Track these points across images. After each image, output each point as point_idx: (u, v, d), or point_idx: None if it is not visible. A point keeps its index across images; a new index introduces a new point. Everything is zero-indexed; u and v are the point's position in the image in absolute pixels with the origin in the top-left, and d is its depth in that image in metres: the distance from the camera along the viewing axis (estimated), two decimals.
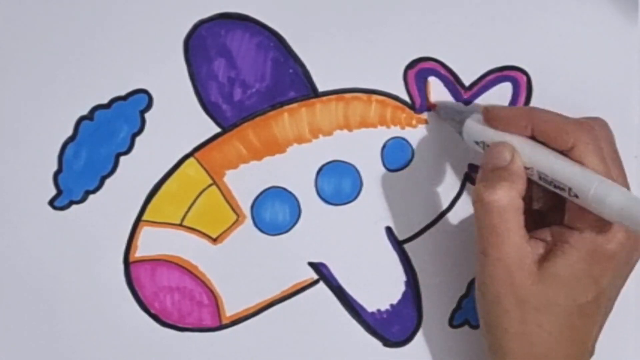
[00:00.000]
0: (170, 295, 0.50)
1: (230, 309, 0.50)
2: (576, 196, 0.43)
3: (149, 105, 0.48)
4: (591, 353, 0.47)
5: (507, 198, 0.44)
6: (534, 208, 0.48)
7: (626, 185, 0.46)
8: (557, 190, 0.44)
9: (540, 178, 0.45)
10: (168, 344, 0.50)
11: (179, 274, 0.50)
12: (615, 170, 0.45)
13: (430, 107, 0.50)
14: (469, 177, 0.51)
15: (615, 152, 0.46)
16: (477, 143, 0.47)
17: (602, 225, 0.44)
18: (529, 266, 0.44)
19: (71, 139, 0.48)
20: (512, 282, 0.44)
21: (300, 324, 0.50)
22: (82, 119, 0.48)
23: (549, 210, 0.48)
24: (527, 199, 0.46)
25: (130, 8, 0.48)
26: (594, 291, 0.45)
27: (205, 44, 0.48)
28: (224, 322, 0.50)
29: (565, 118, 0.45)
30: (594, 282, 0.44)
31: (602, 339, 0.46)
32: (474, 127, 0.47)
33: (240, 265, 0.50)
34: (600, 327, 0.47)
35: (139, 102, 0.48)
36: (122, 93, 0.48)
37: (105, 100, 0.48)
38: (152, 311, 0.50)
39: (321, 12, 0.49)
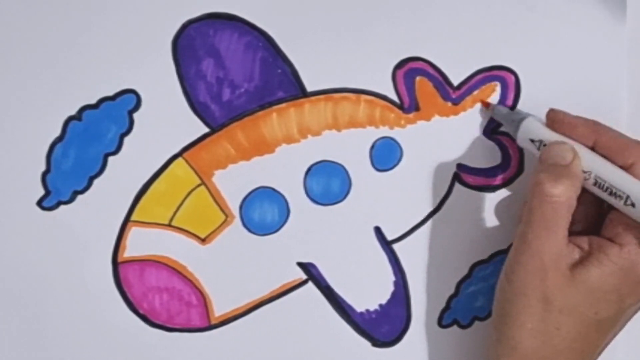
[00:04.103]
0: (159, 296, 0.49)
1: (219, 309, 0.50)
2: (632, 205, 0.44)
3: (137, 106, 0.48)
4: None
5: (567, 195, 0.44)
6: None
7: None
8: (612, 198, 0.45)
9: (595, 184, 0.45)
10: (157, 345, 0.50)
11: (167, 274, 0.49)
12: None
13: (484, 104, 0.50)
14: (458, 177, 0.51)
15: None
16: (532, 141, 0.47)
17: None
18: (564, 268, 0.45)
19: (59, 139, 0.48)
20: (544, 279, 0.44)
21: (289, 324, 0.50)
22: (70, 119, 0.48)
23: (585, 220, 0.48)
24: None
25: (119, 8, 0.48)
26: (616, 308, 0.45)
27: (193, 44, 0.48)
28: (213, 322, 0.50)
29: (627, 137, 0.46)
30: (620, 299, 0.45)
31: None
32: (535, 126, 0.47)
33: (229, 266, 0.50)
34: (608, 344, 0.47)
35: (127, 102, 0.48)
36: (111, 93, 0.48)
37: (93, 101, 0.48)
38: (141, 311, 0.50)
39: (310, 12, 0.49)
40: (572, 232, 0.46)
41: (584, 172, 0.46)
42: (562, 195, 0.44)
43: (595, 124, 0.47)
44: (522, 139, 0.48)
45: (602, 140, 0.46)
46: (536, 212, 0.45)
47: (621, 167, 0.45)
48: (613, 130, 0.47)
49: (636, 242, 0.45)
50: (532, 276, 0.44)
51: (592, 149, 0.46)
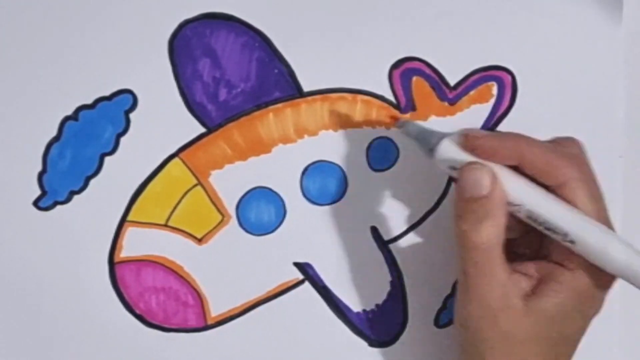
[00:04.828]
0: (156, 296, 0.49)
1: (215, 310, 0.50)
2: (572, 242, 0.42)
3: (133, 106, 0.48)
4: None
5: (493, 237, 0.42)
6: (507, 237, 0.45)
7: (609, 222, 0.44)
8: (548, 232, 0.42)
9: (529, 217, 0.43)
10: (153, 345, 0.50)
11: (164, 274, 0.49)
12: (603, 208, 0.43)
13: (392, 119, 0.49)
14: (454, 178, 0.51)
15: (598, 185, 0.44)
16: (453, 169, 0.44)
17: (595, 267, 0.43)
18: (515, 302, 0.43)
19: (56, 139, 0.48)
20: (497, 321, 0.43)
21: (285, 324, 0.50)
22: (66, 119, 0.48)
23: (522, 240, 0.46)
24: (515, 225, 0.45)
25: (115, 8, 0.48)
26: (581, 324, 0.44)
27: (190, 44, 0.48)
28: (210, 322, 0.50)
29: (555, 150, 0.43)
30: (582, 316, 0.44)
31: (587, 342, 0.46)
32: (451, 150, 0.43)
33: (226, 266, 0.50)
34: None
35: (123, 102, 0.48)
36: (107, 93, 0.48)
37: (89, 101, 0.48)
38: (137, 312, 0.49)
39: (306, 12, 0.49)
40: (515, 252, 0.45)
41: (514, 205, 0.42)
42: (488, 240, 0.42)
43: (518, 140, 0.42)
44: (440, 166, 0.44)
45: (528, 159, 0.42)
46: (468, 263, 0.42)
47: (551, 187, 0.42)
48: (539, 144, 0.43)
49: (586, 263, 0.43)
50: (484, 322, 0.43)
51: (517, 168, 0.43)
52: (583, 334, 0.45)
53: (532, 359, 0.43)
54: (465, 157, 0.43)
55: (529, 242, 0.46)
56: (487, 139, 0.43)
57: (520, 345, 0.43)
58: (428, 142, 0.44)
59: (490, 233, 0.42)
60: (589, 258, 0.42)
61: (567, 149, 0.44)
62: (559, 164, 0.42)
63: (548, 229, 0.42)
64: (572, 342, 0.45)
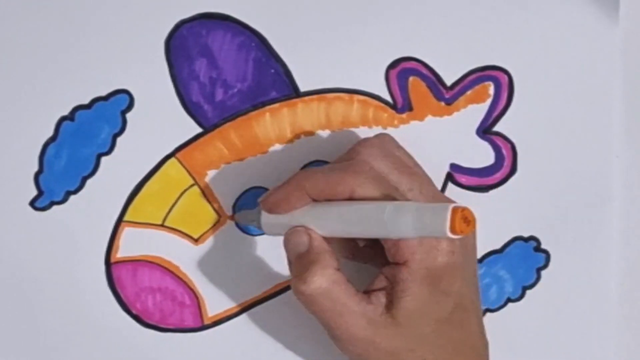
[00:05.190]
0: (152, 296, 0.49)
1: (212, 310, 0.50)
2: (378, 239, 0.43)
3: (130, 106, 0.48)
4: (486, 343, 0.46)
5: (325, 280, 0.43)
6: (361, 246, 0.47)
7: (426, 180, 0.46)
8: (366, 241, 0.45)
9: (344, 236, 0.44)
10: (150, 345, 0.50)
11: (160, 274, 0.49)
12: (405, 179, 0.44)
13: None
14: (451, 177, 0.51)
15: (398, 159, 0.45)
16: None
17: (424, 247, 0.43)
18: (381, 322, 0.43)
19: (52, 139, 0.48)
20: (378, 347, 0.43)
21: (282, 325, 0.50)
22: (62, 119, 0.48)
23: (367, 253, 0.47)
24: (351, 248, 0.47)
25: (112, 8, 0.47)
26: (450, 301, 0.44)
27: (186, 44, 0.48)
28: (206, 322, 0.50)
29: (332, 169, 0.44)
30: (446, 294, 0.44)
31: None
32: (268, 221, 0.46)
33: (222, 266, 0.50)
34: (479, 315, 0.46)
35: (120, 102, 0.48)
36: (103, 93, 0.48)
37: (86, 101, 0.48)
38: (134, 312, 0.49)
39: (303, 13, 0.49)
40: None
41: (325, 238, 0.44)
42: (321, 285, 0.43)
43: (299, 181, 0.44)
44: (273, 235, 0.47)
45: (313, 193, 0.44)
46: (318, 314, 0.43)
47: (348, 199, 0.43)
48: (317, 172, 0.44)
49: (416, 255, 0.43)
50: (364, 349, 0.43)
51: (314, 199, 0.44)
52: (468, 307, 0.45)
53: (431, 356, 0.44)
54: (278, 219, 0.45)
55: (373, 254, 0.46)
56: (275, 193, 0.45)
57: (409, 352, 0.43)
58: (258, 224, 0.47)
59: (319, 279, 0.43)
60: (402, 238, 0.42)
61: (350, 157, 0.45)
62: (342, 179, 0.43)
63: (363, 239, 0.45)
64: (461, 320, 0.44)
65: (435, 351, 0.44)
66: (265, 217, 0.46)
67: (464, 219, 0.39)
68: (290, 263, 0.45)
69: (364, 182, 0.43)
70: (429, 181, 0.47)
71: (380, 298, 0.44)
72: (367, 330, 0.43)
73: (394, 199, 0.43)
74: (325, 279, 0.43)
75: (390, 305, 0.43)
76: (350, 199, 0.43)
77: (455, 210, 0.39)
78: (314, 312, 0.44)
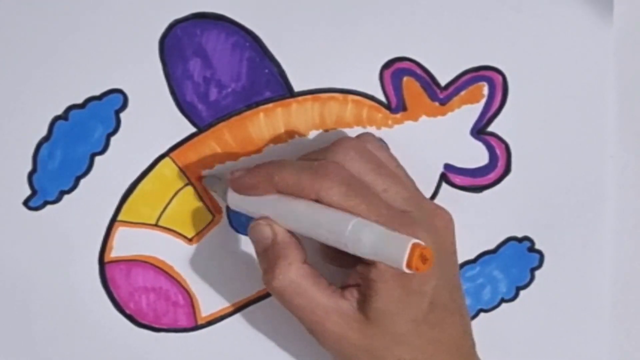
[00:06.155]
0: (146, 296, 0.49)
1: (205, 309, 0.50)
2: (345, 245, 0.42)
3: (124, 105, 0.48)
4: (472, 344, 0.46)
5: (292, 274, 0.43)
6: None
7: (406, 182, 0.45)
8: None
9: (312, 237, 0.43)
10: (143, 345, 0.50)
11: (154, 274, 0.49)
12: (381, 180, 0.44)
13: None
14: (445, 177, 0.51)
15: (376, 160, 0.45)
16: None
17: None
18: (354, 318, 0.43)
19: (46, 139, 0.48)
20: (349, 343, 0.43)
21: (276, 324, 0.50)
22: (56, 118, 0.48)
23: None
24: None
25: (106, 7, 0.47)
26: (425, 301, 0.43)
27: (180, 43, 0.48)
28: (200, 322, 0.50)
29: (303, 168, 0.43)
30: (420, 294, 0.43)
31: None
32: (234, 196, 0.46)
33: (216, 266, 0.50)
34: (464, 314, 0.46)
35: (114, 101, 0.48)
36: (97, 93, 0.48)
37: (80, 100, 0.48)
38: (128, 312, 0.49)
39: (297, 12, 0.49)
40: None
41: (292, 233, 0.44)
42: (286, 277, 0.42)
43: (270, 171, 0.44)
44: (238, 210, 0.46)
45: (281, 187, 0.43)
46: (290, 309, 0.43)
47: (315, 200, 0.43)
48: (290, 165, 0.44)
49: None
50: (339, 345, 0.43)
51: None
52: (448, 305, 0.44)
53: (408, 356, 0.43)
54: (243, 201, 0.45)
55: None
56: (245, 176, 0.45)
57: (385, 350, 0.43)
58: (222, 193, 0.47)
59: (285, 272, 0.43)
60: (357, 253, 0.41)
61: (325, 156, 0.44)
62: (305, 184, 0.43)
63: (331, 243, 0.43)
64: (439, 319, 0.44)
65: (413, 351, 0.44)
66: (232, 192, 0.46)
67: (422, 257, 0.39)
68: (258, 256, 0.45)
69: (332, 187, 0.42)
70: (409, 183, 0.46)
71: (355, 294, 0.44)
72: (339, 326, 0.43)
73: (360, 210, 0.42)
74: (292, 274, 0.43)
75: (362, 303, 0.43)
76: (317, 201, 0.43)
77: (415, 246, 0.39)
78: (285, 307, 0.44)
